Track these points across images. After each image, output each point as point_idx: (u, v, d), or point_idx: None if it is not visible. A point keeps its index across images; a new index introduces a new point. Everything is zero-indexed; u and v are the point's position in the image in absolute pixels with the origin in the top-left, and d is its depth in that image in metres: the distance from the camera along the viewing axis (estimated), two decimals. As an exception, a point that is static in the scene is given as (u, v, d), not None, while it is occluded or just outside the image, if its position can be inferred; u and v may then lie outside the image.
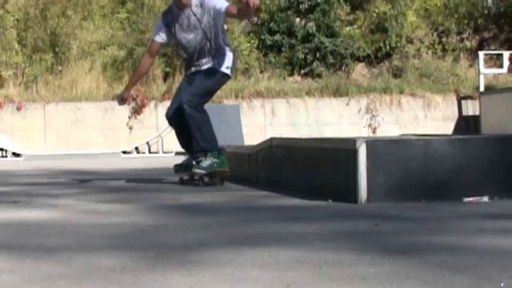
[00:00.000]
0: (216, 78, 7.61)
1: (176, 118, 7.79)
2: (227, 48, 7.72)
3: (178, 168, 8.23)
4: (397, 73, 25.98)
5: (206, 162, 7.44)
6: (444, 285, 2.56)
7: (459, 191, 5.51)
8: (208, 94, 7.87)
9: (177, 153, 20.03)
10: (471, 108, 25.76)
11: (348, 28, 26.56)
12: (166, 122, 21.55)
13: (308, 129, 23.64)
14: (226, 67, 7.55)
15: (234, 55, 7.78)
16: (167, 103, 23.26)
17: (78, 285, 2.70)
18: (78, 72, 23.91)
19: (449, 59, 26.93)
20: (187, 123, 7.47)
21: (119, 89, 23.68)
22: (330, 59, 25.42)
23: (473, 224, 4.15)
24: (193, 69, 7.73)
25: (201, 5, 7.41)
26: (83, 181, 9.11)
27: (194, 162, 7.66)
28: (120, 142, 22.46)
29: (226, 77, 7.70)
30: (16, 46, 24.11)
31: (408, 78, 25.61)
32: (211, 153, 7.45)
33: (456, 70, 26.52)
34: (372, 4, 26.93)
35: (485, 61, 25.66)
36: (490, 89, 25.58)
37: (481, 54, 25.68)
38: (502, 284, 2.57)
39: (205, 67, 7.59)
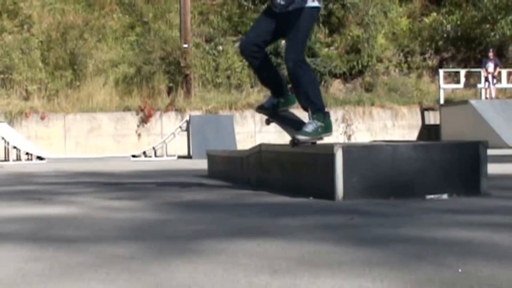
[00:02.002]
0: (307, 19, 5.95)
1: (253, 55, 6.30)
2: None
3: (264, 110, 6.77)
4: (368, 88, 26.05)
5: (310, 126, 5.92)
6: (410, 271, 2.56)
7: (422, 190, 5.52)
8: (306, 40, 6.27)
9: (179, 157, 20.04)
10: (432, 118, 25.82)
11: (326, 49, 26.62)
12: (169, 130, 21.69)
13: (292, 136, 23.63)
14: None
15: None
16: (170, 114, 23.43)
17: (94, 271, 2.69)
18: (93, 87, 23.92)
19: (413, 76, 27.05)
20: (292, 82, 6.04)
21: (129, 101, 23.73)
22: (311, 76, 25.44)
23: (434, 218, 4.15)
24: (274, 8, 6.05)
25: None
26: (98, 181, 9.09)
27: (284, 99, 6.53)
28: (130, 147, 22.46)
29: (316, 10, 6.02)
30: (40, 64, 24.10)
31: (378, 92, 25.68)
32: (317, 115, 5.97)
33: (420, 85, 26.62)
34: (347, 29, 27.00)
35: (445, 78, 25.75)
36: (448, 102, 25.66)
37: (441, 71, 25.78)
38: (460, 270, 2.56)
39: (289, 8, 5.86)
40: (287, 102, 6.57)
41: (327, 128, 6.07)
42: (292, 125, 6.49)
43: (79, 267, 2.79)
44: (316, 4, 5.90)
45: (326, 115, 6.14)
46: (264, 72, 6.49)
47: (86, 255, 3.09)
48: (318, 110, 6.02)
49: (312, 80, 6.23)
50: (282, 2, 5.91)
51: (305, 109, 6.09)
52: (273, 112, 6.65)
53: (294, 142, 6.10)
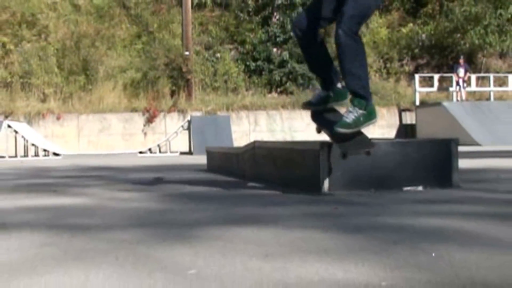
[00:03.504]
0: None
1: (306, 33, 5.13)
2: None
3: (311, 106, 5.51)
4: (352, 91, 26.03)
5: (351, 116, 4.79)
6: (388, 255, 2.56)
7: (399, 182, 5.52)
8: (366, 16, 5.12)
9: (181, 153, 20.03)
10: (409, 118, 25.86)
11: (314, 56, 26.58)
12: (172, 129, 21.69)
13: (283, 135, 23.66)
14: None
15: None
16: (173, 114, 23.44)
17: (104, 256, 2.68)
18: (104, 90, 23.92)
19: (392, 80, 27.08)
20: (339, 54, 4.86)
21: (136, 103, 23.71)
22: (300, 80, 25.53)
23: (410, 208, 4.15)
24: None
25: None
26: (108, 175, 9.08)
27: (334, 93, 5.22)
28: (137, 144, 22.46)
29: None
30: (56, 70, 24.09)
31: (360, 95, 25.69)
32: (358, 101, 4.82)
33: (398, 88, 26.65)
34: (332, 38, 26.97)
35: (420, 82, 25.80)
36: (423, 103, 25.69)
37: (417, 76, 25.83)
38: (433, 254, 2.57)
39: None
40: (337, 96, 5.25)
41: (370, 115, 4.86)
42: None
43: (91, 252, 2.79)
44: None
45: (369, 100, 4.91)
46: (315, 55, 5.29)
47: (97, 241, 3.09)
48: (361, 96, 4.84)
49: (362, 56, 4.93)
50: None
51: (347, 84, 4.97)
52: (321, 108, 5.39)
53: (335, 137, 5.05)
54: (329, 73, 5.28)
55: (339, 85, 5.20)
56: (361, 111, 4.77)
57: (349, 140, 4.90)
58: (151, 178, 8.07)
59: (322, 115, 5.45)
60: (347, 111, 4.84)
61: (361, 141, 4.96)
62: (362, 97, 4.85)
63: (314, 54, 5.29)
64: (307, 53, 5.33)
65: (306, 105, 5.63)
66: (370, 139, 5.04)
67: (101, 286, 2.15)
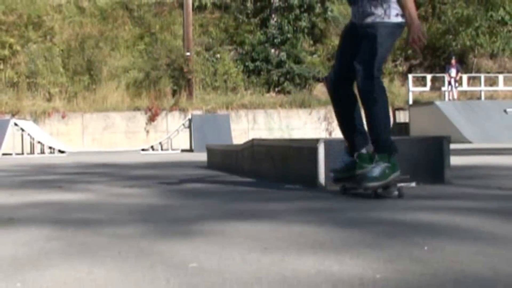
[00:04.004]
0: (387, 35, 4.45)
1: (338, 87, 4.69)
2: None
3: (337, 174, 4.84)
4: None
5: (376, 170, 4.36)
6: (382, 248, 2.56)
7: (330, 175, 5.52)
8: (385, 58, 4.65)
9: (183, 150, 20.02)
10: (402, 117, 25.87)
11: (310, 57, 26.62)
12: (174, 127, 21.64)
13: (281, 132, 23.67)
14: (395, 14, 4.42)
15: None
16: (175, 113, 23.42)
17: (107, 250, 2.68)
18: (108, 90, 23.92)
19: (386, 80, 27.04)
20: (363, 102, 4.50)
21: (139, 102, 23.72)
22: (297, 80, 25.54)
23: (403, 203, 4.15)
24: (353, 19, 4.62)
25: None
26: (111, 171, 9.08)
27: (361, 172, 4.49)
28: (140, 142, 22.46)
29: (399, 27, 4.47)
30: (61, 70, 24.09)
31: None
32: (381, 156, 4.40)
33: (392, 88, 26.63)
34: (328, 39, 27.00)
35: (413, 82, 25.81)
36: (416, 102, 25.69)
37: (410, 76, 25.84)
38: (425, 247, 2.57)
39: (367, 20, 4.46)
40: (362, 162, 4.59)
41: (394, 168, 4.42)
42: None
43: (95, 245, 2.79)
44: (399, 19, 4.44)
45: (393, 153, 4.48)
46: (345, 112, 4.76)
47: (100, 235, 3.09)
48: (383, 148, 4.44)
49: (384, 106, 4.49)
50: (361, 12, 4.50)
51: (373, 141, 4.53)
52: (347, 176, 4.72)
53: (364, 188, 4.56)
54: (357, 135, 4.69)
55: (363, 150, 4.63)
56: (385, 164, 4.38)
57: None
58: (153, 175, 8.06)
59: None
60: (372, 166, 4.40)
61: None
62: (384, 149, 4.45)
63: (345, 111, 4.76)
64: (338, 107, 4.81)
65: (334, 176, 4.91)
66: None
67: (104, 278, 2.15)
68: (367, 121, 4.49)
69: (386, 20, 4.42)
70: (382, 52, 4.48)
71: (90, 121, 23.11)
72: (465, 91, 27.35)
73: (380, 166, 4.35)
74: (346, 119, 4.75)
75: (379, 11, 4.42)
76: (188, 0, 24.69)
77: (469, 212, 3.65)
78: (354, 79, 4.54)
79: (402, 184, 5.37)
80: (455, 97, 26.00)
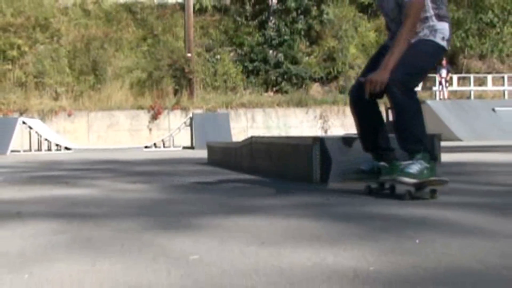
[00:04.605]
0: (430, 53, 4.19)
1: (360, 99, 4.34)
2: (436, 21, 4.15)
3: (363, 175, 4.57)
4: (342, 90, 26.06)
5: (415, 167, 4.02)
6: (376, 241, 2.56)
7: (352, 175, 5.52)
8: (422, 73, 4.30)
9: (184, 148, 20.02)
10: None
11: (307, 58, 26.61)
12: (176, 125, 21.64)
13: (278, 130, 23.67)
14: (441, 37, 4.13)
15: (449, 24, 4.22)
16: (177, 112, 23.41)
17: (111, 242, 2.68)
18: (112, 89, 23.92)
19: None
20: (395, 111, 4.16)
21: (142, 101, 23.71)
22: (294, 80, 25.55)
23: (396, 198, 4.15)
24: (389, 42, 4.29)
25: None
26: (115, 168, 9.08)
27: (389, 165, 4.29)
28: (143, 139, 22.46)
29: (442, 51, 4.20)
30: (68, 70, 24.08)
31: (350, 94, 25.70)
32: (422, 155, 4.05)
33: (385, 88, 26.62)
34: (324, 41, 27.00)
35: (405, 82, 25.75)
36: (408, 101, 25.67)
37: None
38: (417, 240, 2.56)
39: (411, 40, 4.14)
40: (391, 170, 4.24)
41: (432, 171, 4.06)
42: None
43: (99, 239, 2.78)
44: (444, 44, 4.15)
45: (432, 155, 4.19)
46: (370, 125, 4.49)
47: (105, 228, 3.08)
48: (425, 150, 4.10)
49: (419, 112, 4.15)
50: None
51: (405, 148, 4.17)
52: (373, 178, 4.48)
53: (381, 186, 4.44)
54: (383, 143, 4.49)
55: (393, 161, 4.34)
56: (425, 164, 4.02)
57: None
58: (155, 171, 8.06)
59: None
60: (411, 162, 4.03)
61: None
62: (425, 151, 4.11)
63: (370, 123, 4.48)
64: (362, 122, 4.49)
65: (359, 175, 4.59)
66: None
67: (108, 270, 2.15)
68: (403, 133, 4.14)
69: (431, 38, 4.12)
70: (420, 67, 4.19)
71: (95, 119, 23.10)
72: (455, 91, 27.35)
73: (420, 164, 4.01)
74: (370, 131, 4.47)
75: (422, 32, 4.13)
76: (189, 3, 24.67)
77: (459, 207, 3.65)
78: (381, 94, 4.21)
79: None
80: (446, 96, 25.99)
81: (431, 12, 4.12)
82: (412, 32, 4.10)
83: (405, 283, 1.91)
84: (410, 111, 4.08)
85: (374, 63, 4.34)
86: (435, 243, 2.51)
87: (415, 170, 4.00)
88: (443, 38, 4.14)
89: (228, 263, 2.22)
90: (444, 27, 4.14)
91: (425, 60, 4.20)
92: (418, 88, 25.92)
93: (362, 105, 4.38)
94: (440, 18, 4.13)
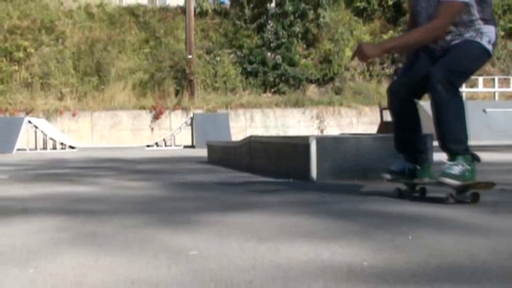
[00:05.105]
0: (476, 55, 3.85)
1: (402, 98, 4.11)
2: (482, 24, 3.84)
3: (393, 175, 4.23)
4: (338, 91, 26.06)
5: (457, 168, 3.71)
6: (370, 238, 2.56)
7: (380, 173, 5.52)
8: (466, 74, 3.98)
9: (185, 147, 20.01)
10: (389, 116, 25.83)
11: (304, 60, 26.60)
12: (177, 125, 21.60)
13: (276, 130, 23.67)
14: (487, 40, 3.83)
15: (495, 27, 3.92)
16: (178, 112, 23.39)
17: (114, 238, 2.68)
18: (115, 90, 23.89)
19: (374, 82, 27.07)
20: (437, 110, 3.79)
21: (144, 102, 23.70)
22: (292, 82, 25.55)
23: (390, 196, 4.15)
24: (433, 44, 3.91)
25: None
26: (118, 166, 9.07)
27: (421, 167, 4.14)
28: (145, 139, 22.44)
29: (488, 55, 3.89)
30: (72, 71, 24.04)
31: (346, 95, 25.69)
32: (463, 157, 3.76)
33: (379, 89, 26.62)
34: (321, 43, 26.98)
35: (399, 83, 25.77)
36: (402, 102, 25.69)
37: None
38: (410, 237, 2.56)
39: (455, 41, 3.84)
40: (424, 172, 4.14)
41: (473, 174, 3.78)
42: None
43: (102, 235, 2.78)
44: (489, 48, 3.85)
45: (474, 157, 3.86)
46: (408, 125, 4.25)
47: (107, 225, 3.08)
48: (467, 151, 3.82)
49: (463, 111, 3.82)
50: (448, 37, 3.86)
51: (446, 148, 3.87)
52: (403, 181, 4.21)
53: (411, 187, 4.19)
54: (419, 144, 4.24)
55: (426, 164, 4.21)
56: (467, 166, 3.73)
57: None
58: (157, 169, 8.05)
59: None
60: (452, 163, 3.74)
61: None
62: (467, 152, 3.83)
63: (408, 123, 4.24)
64: (400, 121, 4.25)
65: (388, 175, 4.26)
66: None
67: (110, 264, 2.15)
68: (446, 132, 3.80)
69: (477, 40, 3.81)
70: (465, 67, 3.86)
71: (98, 119, 23.07)
72: (448, 92, 27.38)
73: (462, 166, 3.71)
74: (409, 130, 4.22)
75: (468, 34, 3.83)
76: (190, 6, 24.66)
77: (451, 205, 3.65)
78: (420, 94, 4.06)
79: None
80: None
81: (476, 15, 3.82)
82: (435, 34, 3.78)
83: (398, 278, 1.91)
84: (453, 110, 3.74)
85: (411, 63, 4.12)
86: (427, 240, 2.51)
87: (457, 171, 3.70)
88: (489, 42, 3.85)
89: (227, 258, 2.22)
90: (490, 30, 3.86)
91: (470, 61, 3.87)
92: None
93: (400, 103, 4.15)
94: (486, 21, 3.85)
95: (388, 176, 4.25)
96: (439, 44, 3.89)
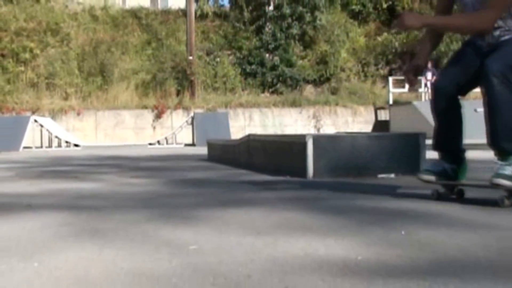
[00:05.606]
0: None
1: (449, 94, 3.67)
2: None
3: (433, 176, 3.76)
4: (334, 91, 26.06)
5: (510, 168, 3.34)
6: (364, 233, 2.56)
7: (375, 170, 5.52)
8: None
9: (186, 145, 20.01)
10: (383, 115, 25.86)
11: (301, 61, 26.60)
12: (178, 124, 21.58)
13: (274, 129, 23.67)
14: None
15: None
16: (179, 111, 23.38)
17: (116, 233, 2.67)
18: (118, 90, 23.89)
19: (369, 82, 27.08)
20: (491, 105, 3.39)
21: (146, 101, 23.68)
22: (289, 82, 25.55)
23: (384, 192, 4.15)
24: (479, 42, 3.58)
25: None
26: (121, 163, 9.06)
27: (459, 168, 3.80)
28: (147, 137, 22.44)
29: None
30: (77, 72, 24.04)
31: (341, 95, 25.69)
32: None
33: (374, 89, 26.65)
34: (317, 45, 26.98)
35: (393, 84, 25.79)
36: (396, 102, 25.69)
37: (390, 79, 25.82)
38: (403, 232, 2.56)
39: (506, 37, 3.47)
40: (463, 173, 3.83)
41: None
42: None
43: (105, 230, 2.78)
44: None
45: None
46: (452, 122, 3.76)
47: (110, 220, 3.08)
48: None
49: None
50: (497, 33, 3.50)
51: (498, 146, 3.44)
52: (441, 180, 3.77)
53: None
54: (459, 144, 3.82)
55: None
56: None
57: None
58: (159, 166, 8.05)
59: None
60: (505, 164, 3.37)
61: None
62: None
63: (452, 121, 3.76)
64: (446, 119, 3.75)
65: (429, 176, 3.79)
66: None
67: (113, 258, 2.15)
68: (499, 128, 3.39)
69: None
70: None
71: (102, 118, 23.06)
72: (440, 93, 27.40)
73: None
74: (453, 128, 3.76)
75: None
76: (191, 9, 24.65)
77: (443, 201, 3.65)
78: (467, 90, 3.70)
79: (383, 175, 5.40)
80: (431, 97, 26.03)
81: None
82: (483, 25, 3.42)
83: (392, 271, 1.91)
84: (510, 107, 3.34)
85: (458, 59, 3.75)
86: (419, 235, 2.51)
87: (510, 172, 3.33)
88: None
89: (226, 252, 2.22)
90: None
91: None
92: (405, 90, 26.00)
93: (446, 99, 3.70)
94: None
95: (429, 177, 3.77)
96: (486, 40, 3.56)
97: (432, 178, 3.76)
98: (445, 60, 28.89)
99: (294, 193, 4.28)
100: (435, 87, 3.76)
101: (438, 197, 3.74)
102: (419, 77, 25.49)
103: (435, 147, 3.84)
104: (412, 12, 3.18)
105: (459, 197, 3.77)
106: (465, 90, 3.68)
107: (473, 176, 3.91)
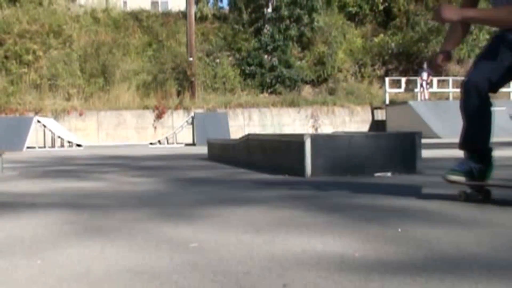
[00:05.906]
0: None
1: (481, 92, 3.39)
2: None
3: (458, 175, 3.52)
4: (331, 92, 26.08)
5: None
6: (361, 230, 2.56)
7: (371, 169, 5.52)
8: None
9: (186, 144, 20.00)
10: (380, 115, 25.87)
11: (299, 62, 26.61)
12: (178, 124, 21.57)
13: (273, 128, 23.68)
14: None
15: None
16: (179, 111, 23.37)
17: (119, 231, 2.67)
18: (120, 90, 23.90)
19: (365, 82, 27.11)
20: None
21: (147, 102, 23.68)
22: (287, 83, 25.57)
23: (380, 190, 4.15)
24: (510, 36, 3.29)
25: None
26: (123, 163, 9.06)
27: (486, 167, 3.51)
28: (148, 137, 22.45)
29: None
30: (79, 73, 24.05)
31: (339, 95, 25.71)
32: None
33: (370, 89, 26.67)
34: (315, 46, 26.99)
35: (390, 84, 25.80)
36: (392, 102, 25.70)
37: (387, 79, 25.83)
38: (399, 229, 2.56)
39: None
40: (489, 172, 3.54)
41: None
42: None
43: (107, 228, 2.78)
44: None
45: None
46: (484, 120, 3.48)
47: (113, 218, 3.08)
48: None
49: None
50: None
51: None
52: (469, 180, 3.51)
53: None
54: (487, 143, 3.54)
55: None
56: None
57: None
58: (160, 165, 8.04)
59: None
60: None
61: None
62: None
63: (482, 118, 3.48)
64: (476, 116, 3.48)
65: (453, 176, 3.54)
66: None
67: (115, 256, 2.15)
68: None
69: None
70: None
71: (104, 118, 23.06)
72: (435, 92, 27.37)
73: None
74: (484, 126, 3.50)
75: None
76: (191, 11, 24.65)
77: (438, 199, 3.65)
78: (498, 87, 3.46)
79: (379, 174, 5.40)
80: (427, 97, 26.02)
81: None
82: None
83: (388, 268, 1.91)
84: None
85: (491, 56, 3.45)
86: (415, 232, 2.51)
87: None
88: None
89: (225, 250, 2.22)
90: None
91: None
92: (401, 90, 25.98)
93: (478, 97, 3.42)
94: None
95: (458, 178, 3.51)
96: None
97: (461, 178, 3.51)
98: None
99: (293, 192, 4.28)
100: (466, 83, 3.50)
101: (466, 198, 3.53)
102: (415, 78, 25.44)
103: (462, 146, 3.62)
104: (451, 5, 3.06)
105: (487, 198, 3.57)
106: (496, 86, 3.46)
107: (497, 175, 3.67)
